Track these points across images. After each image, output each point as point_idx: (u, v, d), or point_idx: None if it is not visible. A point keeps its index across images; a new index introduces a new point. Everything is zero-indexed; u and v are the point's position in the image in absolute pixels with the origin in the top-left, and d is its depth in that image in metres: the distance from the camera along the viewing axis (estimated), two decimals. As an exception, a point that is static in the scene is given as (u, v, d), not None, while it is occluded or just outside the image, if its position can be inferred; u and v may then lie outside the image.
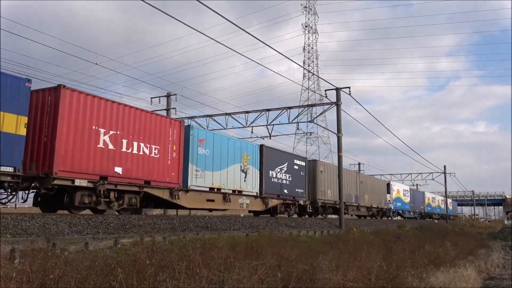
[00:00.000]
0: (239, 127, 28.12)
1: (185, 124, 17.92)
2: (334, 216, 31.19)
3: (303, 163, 26.66)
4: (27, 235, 9.40)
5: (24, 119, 11.79)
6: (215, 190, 18.76)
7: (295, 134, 35.68)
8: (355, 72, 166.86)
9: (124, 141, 14.49)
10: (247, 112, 27.75)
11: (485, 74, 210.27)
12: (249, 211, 24.07)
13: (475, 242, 29.07)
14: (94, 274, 6.09)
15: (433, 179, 61.34)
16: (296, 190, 25.40)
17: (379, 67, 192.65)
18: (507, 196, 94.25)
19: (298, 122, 27.35)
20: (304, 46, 69.57)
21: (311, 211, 27.43)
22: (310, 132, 52.74)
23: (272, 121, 26.94)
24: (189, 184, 17.19)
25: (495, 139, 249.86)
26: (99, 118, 13.68)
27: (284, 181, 24.21)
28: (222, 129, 27.13)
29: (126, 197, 14.82)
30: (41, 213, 12.63)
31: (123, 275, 6.00)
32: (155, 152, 15.61)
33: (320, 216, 28.88)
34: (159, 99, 29.56)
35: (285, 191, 24.17)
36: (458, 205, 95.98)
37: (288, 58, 19.04)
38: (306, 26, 69.55)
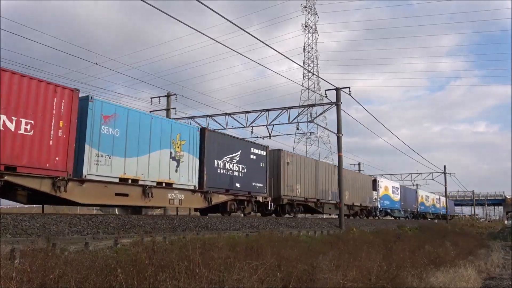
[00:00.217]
0: (239, 127, 28.20)
1: (90, 97, 13.55)
2: (309, 216, 29.53)
3: (263, 153, 22.23)
4: (27, 235, 9.42)
5: None
6: (129, 181, 14.55)
7: (295, 134, 35.79)
8: (355, 72, 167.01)
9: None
10: (247, 112, 27.80)
11: (485, 74, 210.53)
12: (195, 210, 20.19)
13: (475, 242, 29.15)
14: (94, 274, 6.10)
15: (433, 179, 61.56)
16: (253, 184, 21.12)
17: (379, 67, 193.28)
18: (507, 196, 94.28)
19: (298, 122, 27.34)
20: (304, 46, 69.57)
21: (273, 209, 22.86)
22: (310, 132, 52.84)
23: (272, 121, 26.96)
24: (85, 172, 13.01)
25: (495, 139, 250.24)
26: None
27: (236, 173, 19.97)
28: (222, 129, 27.12)
29: None
30: (41, 213, 12.65)
31: (123, 275, 6.01)
32: (26, 128, 11.55)
33: (287, 216, 24.83)
34: (159, 99, 29.55)
35: (237, 185, 19.97)
36: (458, 205, 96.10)
37: (288, 58, 19.10)
38: (306, 26, 69.57)
